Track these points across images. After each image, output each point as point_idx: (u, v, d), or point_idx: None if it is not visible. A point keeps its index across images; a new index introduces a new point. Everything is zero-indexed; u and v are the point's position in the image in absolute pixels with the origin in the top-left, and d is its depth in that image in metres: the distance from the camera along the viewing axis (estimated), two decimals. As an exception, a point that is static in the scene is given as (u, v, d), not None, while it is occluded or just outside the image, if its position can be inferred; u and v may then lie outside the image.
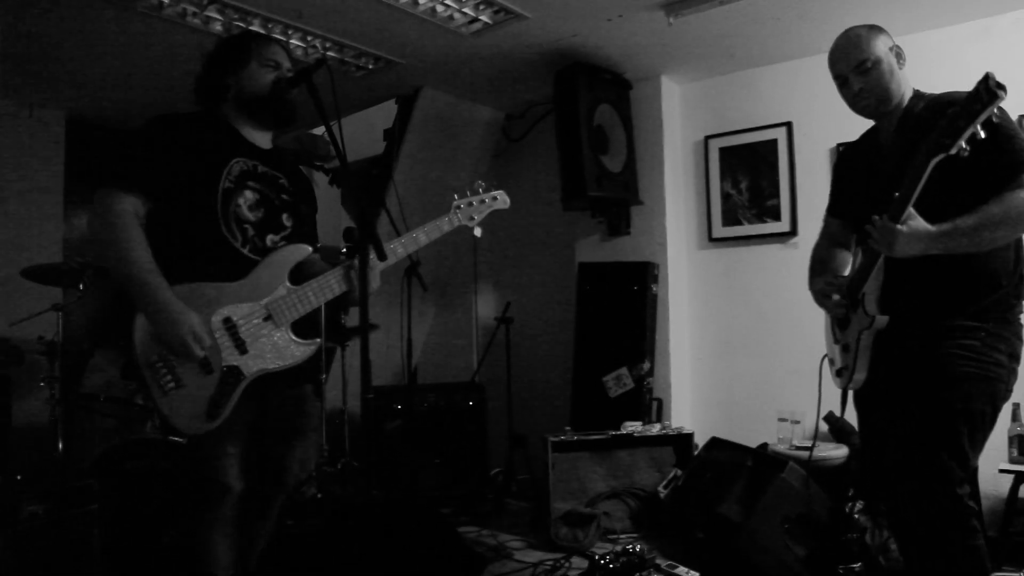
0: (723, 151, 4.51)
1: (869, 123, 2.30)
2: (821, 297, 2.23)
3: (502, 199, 2.53)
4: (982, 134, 1.72)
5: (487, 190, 2.51)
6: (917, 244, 1.86)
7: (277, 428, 2.20)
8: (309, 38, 3.81)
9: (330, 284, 2.21)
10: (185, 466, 2.09)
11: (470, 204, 2.49)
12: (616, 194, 4.32)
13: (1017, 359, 2.00)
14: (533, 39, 3.93)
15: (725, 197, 4.50)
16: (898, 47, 2.16)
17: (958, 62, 3.71)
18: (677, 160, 4.66)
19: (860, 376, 2.10)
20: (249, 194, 2.16)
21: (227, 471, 2.05)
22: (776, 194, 4.29)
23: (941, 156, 1.76)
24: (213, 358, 2.01)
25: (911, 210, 1.84)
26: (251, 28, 3.61)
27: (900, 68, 2.14)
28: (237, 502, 2.09)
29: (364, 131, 5.43)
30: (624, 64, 4.34)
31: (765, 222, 4.33)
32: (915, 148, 1.88)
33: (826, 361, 2.31)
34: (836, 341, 2.23)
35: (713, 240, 4.55)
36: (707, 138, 4.57)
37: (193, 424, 1.99)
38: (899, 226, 1.84)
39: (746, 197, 4.42)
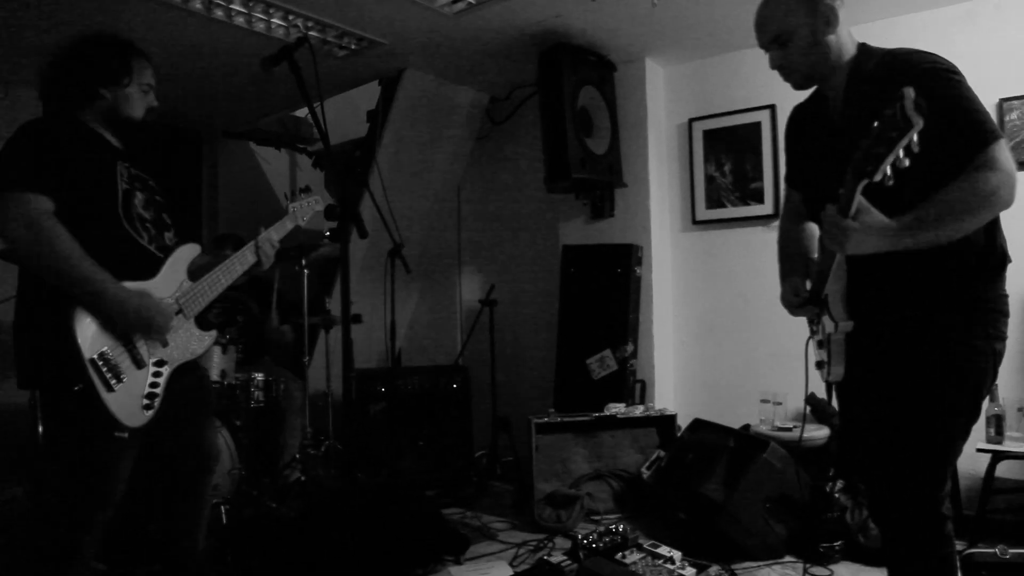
0: (707, 134, 4.51)
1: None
2: (788, 306, 2.10)
3: (320, 203, 2.71)
4: (906, 163, 1.52)
5: (310, 194, 2.67)
6: (873, 241, 1.67)
7: (188, 412, 2.24)
8: (291, 17, 3.76)
9: (244, 257, 2.34)
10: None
11: (302, 206, 2.61)
12: (600, 176, 4.32)
13: (999, 338, 1.83)
14: (516, 19, 3.90)
15: (709, 180, 4.50)
16: (827, 5, 1.87)
17: (941, 46, 3.71)
18: (661, 142, 4.66)
19: (838, 371, 1.97)
20: (140, 195, 2.19)
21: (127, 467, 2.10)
22: (760, 177, 4.30)
23: (865, 182, 1.58)
24: (142, 352, 2.07)
25: (863, 202, 1.64)
26: (232, 6, 3.57)
27: (831, 32, 1.89)
28: (166, 487, 2.21)
29: (348, 113, 5.40)
30: (608, 46, 4.32)
31: (749, 204, 4.35)
32: (868, 118, 1.62)
33: (811, 345, 2.23)
34: (813, 333, 2.16)
35: (697, 223, 4.56)
36: (691, 120, 4.57)
37: (134, 417, 2.02)
38: (850, 221, 1.65)
39: (730, 180, 4.43)
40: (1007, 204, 1.70)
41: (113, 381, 1.96)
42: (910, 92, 1.47)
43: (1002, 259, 1.84)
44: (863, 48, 1.94)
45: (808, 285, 2.06)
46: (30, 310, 2.06)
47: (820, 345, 2.04)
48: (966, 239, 1.73)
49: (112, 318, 1.98)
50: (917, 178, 1.62)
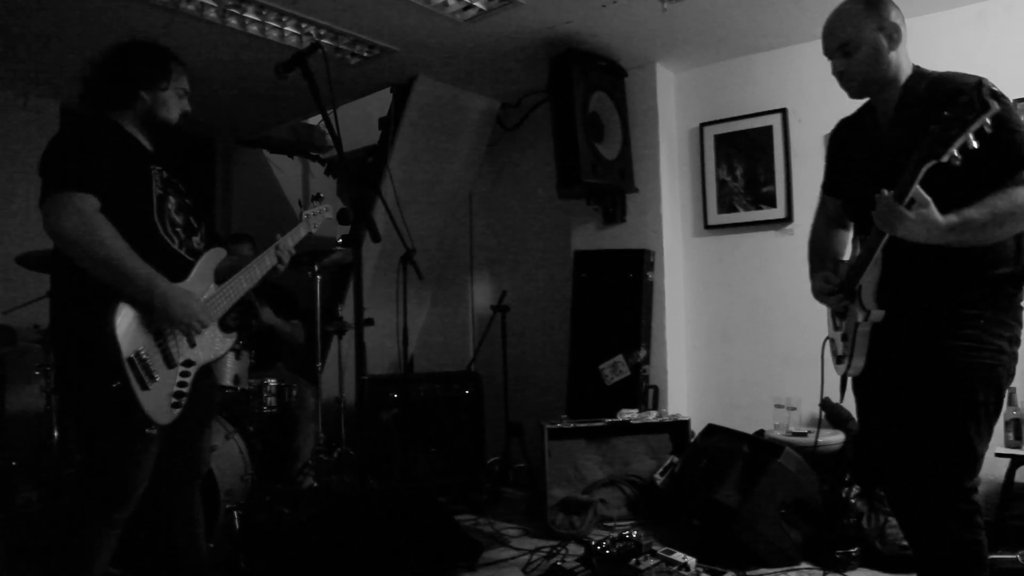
0: (718, 138, 4.50)
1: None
2: (820, 294, 2.18)
3: (331, 211, 2.78)
4: (975, 144, 1.66)
5: (322, 202, 2.74)
6: (922, 231, 1.78)
7: (194, 417, 2.24)
8: (304, 25, 3.79)
9: (263, 262, 2.39)
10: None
11: (315, 214, 2.68)
12: (611, 181, 4.31)
13: (1018, 343, 1.96)
14: (527, 25, 3.91)
15: (720, 184, 4.49)
16: (894, 24, 2.02)
17: (954, 47, 3.71)
18: (672, 147, 4.65)
19: (858, 363, 2.07)
20: (172, 199, 2.25)
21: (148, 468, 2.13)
22: (772, 181, 4.28)
23: (932, 163, 1.71)
24: (173, 352, 2.12)
25: (924, 196, 1.75)
26: (245, 15, 3.60)
27: (893, 49, 2.02)
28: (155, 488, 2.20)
29: (360, 121, 5.42)
30: (619, 51, 4.33)
31: (760, 209, 4.33)
32: (918, 133, 1.81)
33: (827, 345, 2.28)
34: (836, 328, 2.22)
35: (709, 227, 4.55)
36: (702, 125, 4.56)
37: (164, 415, 2.08)
38: (904, 209, 1.76)
39: (741, 184, 4.42)
40: None
41: (147, 380, 2.02)
42: (987, 81, 1.64)
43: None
44: (917, 70, 2.07)
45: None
46: (67, 311, 2.11)
47: (844, 339, 2.09)
48: (999, 244, 1.88)
49: (157, 313, 2.04)
50: (953, 188, 1.78)
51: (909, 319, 1.95)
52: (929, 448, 1.91)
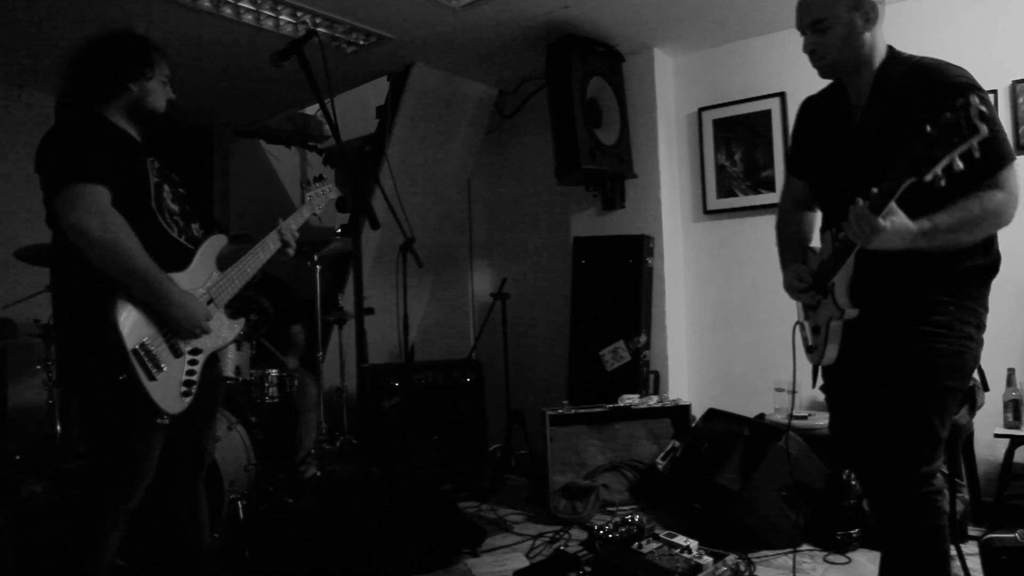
0: (717, 123, 4.49)
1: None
2: (791, 290, 2.16)
3: (335, 191, 2.72)
4: (960, 165, 1.59)
5: (324, 182, 2.68)
6: (896, 241, 1.76)
7: (199, 408, 2.23)
8: (299, 14, 3.77)
9: (266, 246, 2.38)
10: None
11: (317, 195, 2.64)
12: (610, 167, 4.31)
13: (983, 328, 1.97)
14: (524, 11, 3.89)
15: (719, 169, 4.49)
16: (871, 3, 1.93)
17: (952, 29, 3.70)
18: (671, 132, 4.64)
19: (831, 354, 2.06)
20: (168, 189, 2.24)
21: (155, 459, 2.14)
22: (771, 165, 4.28)
23: (913, 180, 1.65)
24: (179, 341, 2.12)
25: (893, 205, 1.71)
26: (240, 3, 3.58)
27: (868, 29, 1.95)
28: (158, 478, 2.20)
29: (357, 109, 5.42)
30: (616, 36, 4.31)
31: (760, 193, 4.32)
32: (894, 124, 1.82)
33: (797, 329, 2.26)
34: (806, 318, 2.20)
35: (708, 212, 4.54)
36: (700, 110, 4.55)
37: (174, 404, 2.09)
38: (882, 220, 1.71)
39: (740, 168, 4.41)
40: (1009, 222, 1.83)
41: (154, 370, 2.02)
42: (975, 99, 1.55)
43: (996, 264, 1.97)
44: (892, 52, 2.01)
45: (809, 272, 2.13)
46: (70, 305, 2.10)
47: (815, 331, 2.09)
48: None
49: (158, 311, 2.04)
50: (922, 188, 1.70)
51: (880, 309, 1.94)
52: (892, 432, 1.91)
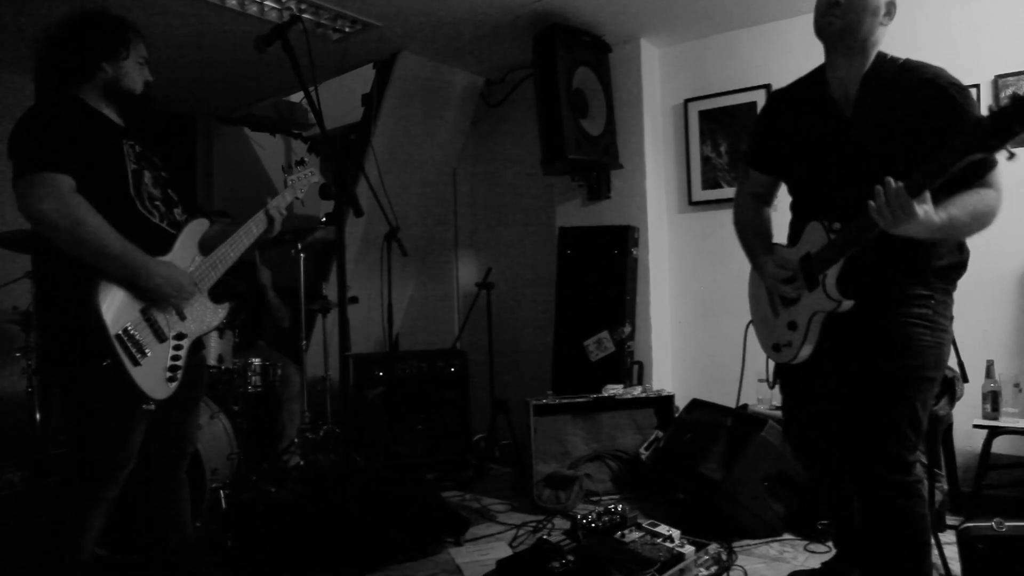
0: (702, 114, 4.50)
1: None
2: (774, 280, 2.16)
3: (317, 175, 2.69)
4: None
5: (306, 166, 2.66)
6: (920, 229, 1.75)
7: (183, 395, 2.20)
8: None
9: (249, 230, 2.36)
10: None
11: (299, 178, 2.62)
12: (596, 157, 4.30)
13: (952, 320, 2.05)
14: (510, 0, 3.87)
15: (705, 160, 4.49)
16: (893, 3, 2.01)
17: (937, 23, 3.71)
18: (657, 123, 4.64)
19: (807, 352, 2.09)
20: (148, 173, 2.20)
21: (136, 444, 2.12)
22: (756, 157, 4.28)
23: (977, 156, 1.64)
24: (162, 326, 2.10)
25: (927, 193, 1.70)
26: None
27: (883, 22, 2.00)
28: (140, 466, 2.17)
29: (342, 97, 5.37)
30: (603, 26, 4.30)
31: (745, 185, 4.33)
32: (888, 120, 1.88)
33: (750, 329, 2.27)
34: (776, 315, 2.20)
35: (693, 203, 4.55)
36: (686, 101, 4.55)
37: (159, 390, 2.06)
38: (916, 205, 1.69)
39: (726, 160, 4.42)
40: (994, 220, 1.91)
41: (139, 356, 2.00)
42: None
43: (967, 261, 2.05)
44: (881, 54, 2.04)
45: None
46: (51, 291, 2.08)
47: (791, 327, 2.08)
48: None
49: (142, 289, 2.02)
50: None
51: (864, 302, 2.00)
52: (877, 421, 1.96)
